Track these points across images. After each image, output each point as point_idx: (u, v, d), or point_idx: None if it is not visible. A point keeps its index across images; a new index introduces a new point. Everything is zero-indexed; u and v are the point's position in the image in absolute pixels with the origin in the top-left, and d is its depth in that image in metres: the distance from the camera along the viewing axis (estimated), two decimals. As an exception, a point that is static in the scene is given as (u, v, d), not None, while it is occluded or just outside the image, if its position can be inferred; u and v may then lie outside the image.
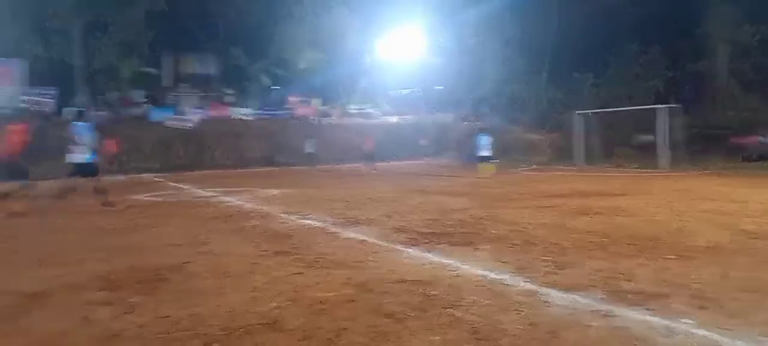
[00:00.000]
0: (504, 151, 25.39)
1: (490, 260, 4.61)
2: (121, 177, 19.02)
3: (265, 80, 34.82)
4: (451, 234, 5.92)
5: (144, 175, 21.21)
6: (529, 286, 3.74)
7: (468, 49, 33.11)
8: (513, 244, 5.26)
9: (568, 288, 3.65)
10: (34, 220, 7.97)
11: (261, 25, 34.09)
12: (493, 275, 4.05)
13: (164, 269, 4.51)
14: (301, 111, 32.87)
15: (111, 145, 16.42)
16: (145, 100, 31.58)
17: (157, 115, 29.56)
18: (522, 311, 3.19)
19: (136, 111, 29.77)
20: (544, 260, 4.51)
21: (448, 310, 3.23)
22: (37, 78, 28.79)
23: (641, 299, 3.39)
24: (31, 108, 26.91)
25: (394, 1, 33.26)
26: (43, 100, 27.69)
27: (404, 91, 38.59)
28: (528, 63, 32.24)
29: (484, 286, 3.77)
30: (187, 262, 4.76)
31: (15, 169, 8.94)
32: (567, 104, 27.85)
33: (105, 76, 30.67)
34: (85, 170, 8.99)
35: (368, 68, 37.09)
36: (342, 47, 34.65)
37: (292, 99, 33.79)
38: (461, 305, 3.31)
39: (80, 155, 8.79)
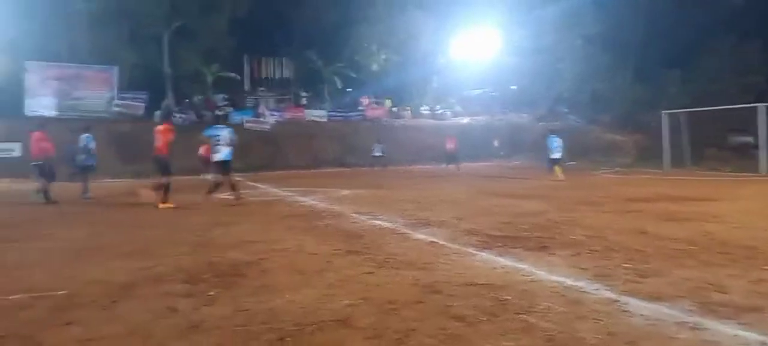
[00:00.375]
0: (584, 153, 24.36)
1: (567, 265, 4.43)
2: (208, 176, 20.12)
3: (339, 82, 35.54)
4: (525, 238, 5.75)
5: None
6: (608, 294, 3.55)
7: (545, 47, 32.01)
8: (592, 250, 5.02)
9: (651, 298, 3.43)
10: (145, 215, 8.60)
11: (336, 28, 34.85)
12: (569, 282, 3.88)
13: (241, 264, 4.71)
14: (372, 112, 33.24)
15: (205, 148, 17.57)
16: (226, 102, 33.26)
17: (236, 117, 31.06)
18: (600, 320, 3.03)
19: (218, 113, 31.45)
20: (626, 268, 4.27)
21: (521, 315, 3.13)
22: (129, 83, 31.20)
23: (733, 312, 3.12)
24: (125, 111, 29.18)
25: (469, 1, 32.81)
26: (134, 103, 29.94)
27: (476, 92, 37.97)
28: (611, 59, 30.69)
29: (559, 292, 3.62)
30: (263, 258, 4.94)
31: (164, 166, 10.06)
32: (653, 103, 26.24)
33: (190, 81, 32.66)
34: (224, 168, 10.04)
35: (441, 69, 36.86)
36: (415, 48, 34.69)
37: (364, 101, 34.26)
38: (535, 312, 3.20)
39: (221, 155, 9.88)
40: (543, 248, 5.19)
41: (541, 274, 4.16)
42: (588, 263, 4.50)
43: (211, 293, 3.77)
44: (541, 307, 3.30)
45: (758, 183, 13.19)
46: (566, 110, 33.37)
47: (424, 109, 35.26)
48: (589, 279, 3.95)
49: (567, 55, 32.06)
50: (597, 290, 3.67)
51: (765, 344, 2.61)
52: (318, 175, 20.93)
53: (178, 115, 29.85)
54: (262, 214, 8.65)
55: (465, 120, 35.04)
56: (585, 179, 15.68)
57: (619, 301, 3.39)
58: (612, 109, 31.11)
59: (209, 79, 32.70)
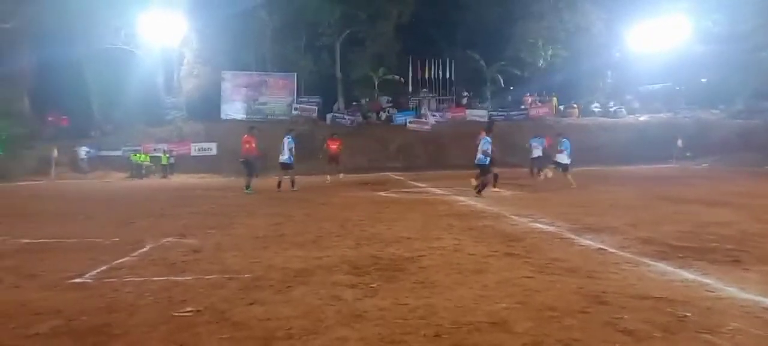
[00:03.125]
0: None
1: (763, 283, 3.82)
2: (370, 175, 21.34)
3: (501, 81, 34.87)
4: (711, 250, 5.07)
5: (388, 173, 23.39)
6: (822, 323, 2.98)
7: (742, 34, 27.58)
8: (801, 269, 4.24)
9: None
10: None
11: (498, 26, 34.33)
12: (766, 302, 3.35)
13: (402, 259, 4.92)
14: (536, 111, 31.98)
15: (334, 146, 18.70)
16: (391, 104, 34.80)
17: (400, 118, 32.30)
18: (809, 352, 2.57)
19: (383, 115, 33.08)
20: None
21: (703, 335, 2.79)
22: (305, 88, 34.40)
23: None
24: (301, 114, 32.24)
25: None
26: (309, 106, 32.92)
27: (656, 86, 34.24)
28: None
29: (752, 313, 3.15)
30: (422, 255, 5.10)
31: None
32: None
33: (358, 85, 34.88)
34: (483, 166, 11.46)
35: (616, 62, 34.00)
36: (586, 42, 32.58)
37: (526, 99, 33.13)
38: (721, 332, 2.83)
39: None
40: (734, 262, 4.53)
41: (731, 291, 3.65)
42: (795, 284, 3.82)
43: (374, 285, 4.01)
44: (729, 327, 2.90)
45: None
46: (769, 106, 28.40)
47: (595, 107, 32.87)
48: (795, 303, 3.36)
49: (769, 43, 27.21)
50: (806, 316, 3.11)
51: None
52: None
53: (347, 117, 32.15)
54: (422, 212, 8.90)
55: (643, 118, 31.88)
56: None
57: (836, 332, 2.84)
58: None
59: (376, 82, 34.56)
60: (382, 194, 13.08)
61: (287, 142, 14.25)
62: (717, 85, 30.65)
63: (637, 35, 32.23)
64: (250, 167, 13.82)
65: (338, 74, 34.38)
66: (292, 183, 14.23)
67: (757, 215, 7.50)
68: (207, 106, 31.91)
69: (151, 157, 27.89)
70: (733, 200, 9.63)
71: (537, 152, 16.89)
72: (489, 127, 12.62)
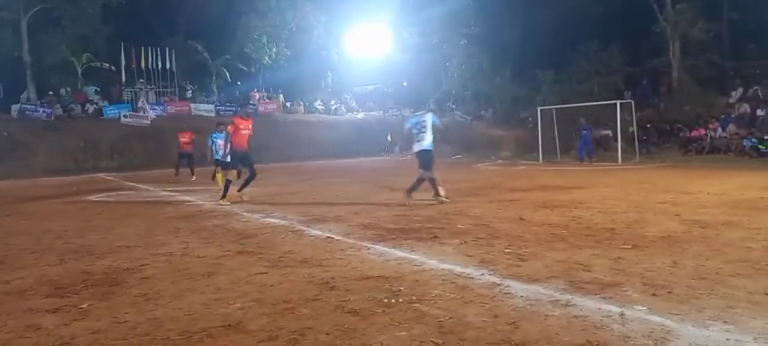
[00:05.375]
0: (469, 147, 25.72)
1: (456, 254, 4.64)
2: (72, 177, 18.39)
3: (228, 75, 34.12)
4: (416, 230, 5.93)
5: (100, 174, 20.53)
6: (492, 279, 3.77)
7: (433, 45, 33.27)
8: (477, 238, 5.31)
9: (529, 279, 3.70)
10: None
11: (222, 20, 33.45)
12: (458, 269, 4.07)
13: (119, 271, 4.36)
14: (264, 107, 32.40)
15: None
16: (99, 95, 30.45)
17: (112, 111, 28.58)
18: (485, 303, 3.21)
19: (90, 108, 28.67)
20: (507, 253, 4.57)
21: (413, 305, 3.22)
22: None
23: (598, 288, 3.47)
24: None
25: (360, -3, 33.19)
26: None
27: (370, 87, 38.56)
28: (492, 59, 32.67)
29: (449, 280, 3.77)
30: (145, 264, 4.62)
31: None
32: (530, 100, 28.34)
33: (55, 71, 29.36)
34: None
35: (335, 64, 36.83)
36: (307, 42, 34.31)
37: (254, 95, 33.26)
38: (427, 300, 3.31)
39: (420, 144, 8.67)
40: (434, 238, 5.39)
41: (432, 263, 4.33)
42: (474, 250, 4.76)
43: (84, 305, 3.44)
44: (433, 295, 3.43)
45: (617, 172, 14.78)
46: (453, 106, 34.99)
47: (319, 105, 35.05)
48: (475, 265, 4.18)
49: (453, 54, 33.56)
50: (482, 275, 3.89)
51: (623, 315, 2.93)
52: (208, 172, 19.91)
53: (40, 110, 26.79)
54: (144, 216, 8.06)
55: (359, 115, 35.39)
56: (470, 171, 16.54)
57: (501, 284, 3.63)
58: (493, 105, 33.15)
59: (79, 69, 29.64)
60: (93, 198, 11.39)
61: None
62: (416, 88, 36.11)
63: (352, 40, 35.60)
64: None
65: (27, 58, 28.26)
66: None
67: (450, 196, 9.06)
68: None
69: None
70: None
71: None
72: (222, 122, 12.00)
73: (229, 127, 9.53)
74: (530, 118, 26.65)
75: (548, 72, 29.13)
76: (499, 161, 21.91)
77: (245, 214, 7.82)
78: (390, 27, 34.44)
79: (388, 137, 30.07)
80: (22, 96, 28.00)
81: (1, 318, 3.24)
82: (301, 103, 34.73)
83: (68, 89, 29.74)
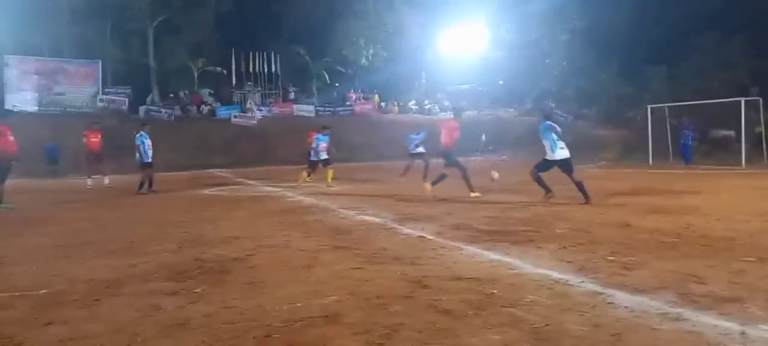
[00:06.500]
0: (570, 148, 24.58)
1: (553, 259, 4.47)
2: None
3: (327, 77, 35.46)
4: (512, 232, 5.79)
5: (212, 170, 22.18)
6: (593, 286, 3.59)
7: (531, 42, 32.22)
8: (577, 243, 5.07)
9: (635, 290, 3.47)
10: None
11: (323, 23, 34.78)
12: (555, 275, 3.92)
13: (229, 260, 4.70)
14: (360, 107, 33.22)
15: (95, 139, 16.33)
16: (213, 97, 32.98)
17: (223, 112, 30.79)
18: (585, 312, 3.06)
19: (205, 109, 31.18)
20: (610, 260, 4.31)
21: (507, 309, 3.16)
22: (113, 78, 30.80)
23: (713, 302, 3.18)
24: (109, 106, 28.84)
25: (456, -4, 32.97)
26: (118, 98, 29.57)
27: (464, 87, 38.12)
28: (596, 55, 30.98)
29: (545, 286, 3.66)
30: (251, 254, 4.93)
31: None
32: (637, 99, 26.52)
33: (175, 76, 32.32)
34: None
35: (429, 64, 36.90)
36: (403, 43, 34.73)
37: (351, 95, 34.21)
38: (521, 305, 3.23)
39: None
40: (529, 241, 5.24)
41: (528, 267, 4.21)
42: (573, 256, 4.55)
43: (198, 290, 3.76)
44: (528, 300, 3.33)
45: (738, 176, 13.40)
46: (553, 105, 33.62)
47: (413, 105, 35.29)
48: (574, 272, 4.00)
49: (553, 51, 32.28)
50: (582, 282, 3.72)
51: (745, 333, 2.67)
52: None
53: (162, 111, 29.59)
54: (250, 210, 8.61)
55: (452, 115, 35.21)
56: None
57: (603, 293, 3.44)
58: (597, 104, 31.40)
59: (195, 73, 32.40)
60: (206, 192, 12.36)
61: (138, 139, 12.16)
62: (512, 87, 35.19)
63: (446, 40, 35.41)
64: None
65: (152, 63, 31.37)
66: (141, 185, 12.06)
67: (547, 199, 8.77)
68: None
69: None
70: (526, 188, 11.13)
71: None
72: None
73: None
74: (638, 118, 24.92)
75: (660, 67, 27.08)
76: (603, 163, 20.71)
77: (341, 210, 8.08)
78: (486, 25, 33.80)
79: (483, 137, 29.54)
80: (148, 98, 31.18)
81: (129, 298, 3.63)
82: (396, 103, 35.18)
83: (186, 92, 32.61)
